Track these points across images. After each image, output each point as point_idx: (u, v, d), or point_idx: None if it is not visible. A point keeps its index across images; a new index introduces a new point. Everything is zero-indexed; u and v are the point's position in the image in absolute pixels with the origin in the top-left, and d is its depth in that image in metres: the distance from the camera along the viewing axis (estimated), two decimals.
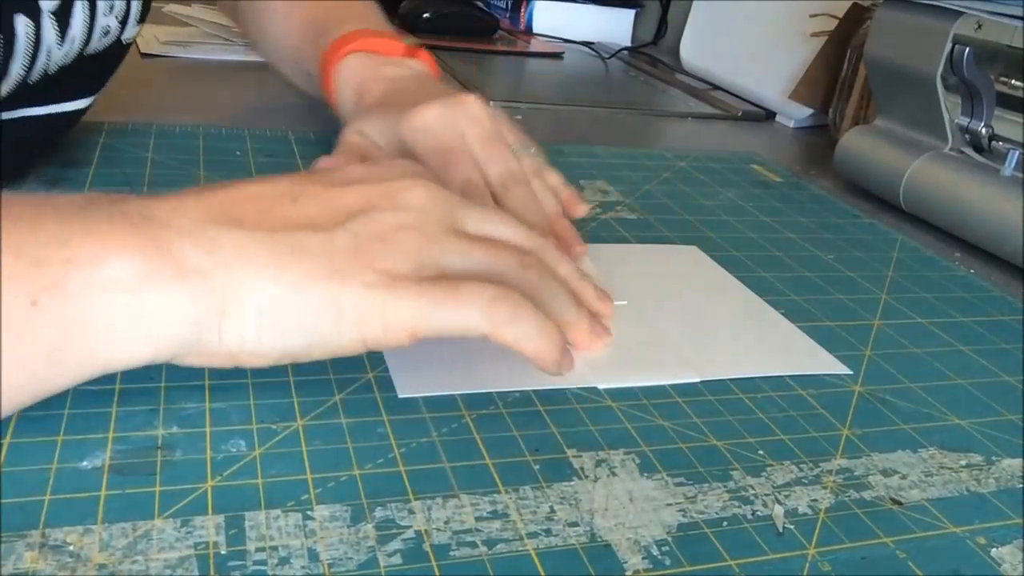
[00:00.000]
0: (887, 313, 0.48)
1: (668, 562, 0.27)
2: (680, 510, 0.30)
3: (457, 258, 0.34)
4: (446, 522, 0.28)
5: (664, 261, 0.50)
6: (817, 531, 0.30)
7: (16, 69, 0.42)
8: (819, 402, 0.38)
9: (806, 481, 0.32)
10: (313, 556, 0.26)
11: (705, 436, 0.34)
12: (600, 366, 0.38)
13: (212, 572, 0.25)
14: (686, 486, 0.31)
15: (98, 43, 0.48)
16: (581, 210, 0.48)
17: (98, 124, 0.59)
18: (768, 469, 0.33)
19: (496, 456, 0.31)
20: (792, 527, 0.30)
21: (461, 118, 0.46)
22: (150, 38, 0.86)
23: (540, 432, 0.33)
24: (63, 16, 0.44)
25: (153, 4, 0.54)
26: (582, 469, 0.31)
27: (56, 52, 0.44)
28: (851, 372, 0.40)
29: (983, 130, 0.62)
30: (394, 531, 0.27)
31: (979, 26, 0.60)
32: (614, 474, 0.31)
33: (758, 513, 0.30)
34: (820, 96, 0.87)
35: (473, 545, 0.27)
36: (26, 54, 0.42)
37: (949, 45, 0.60)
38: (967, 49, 0.60)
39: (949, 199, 0.60)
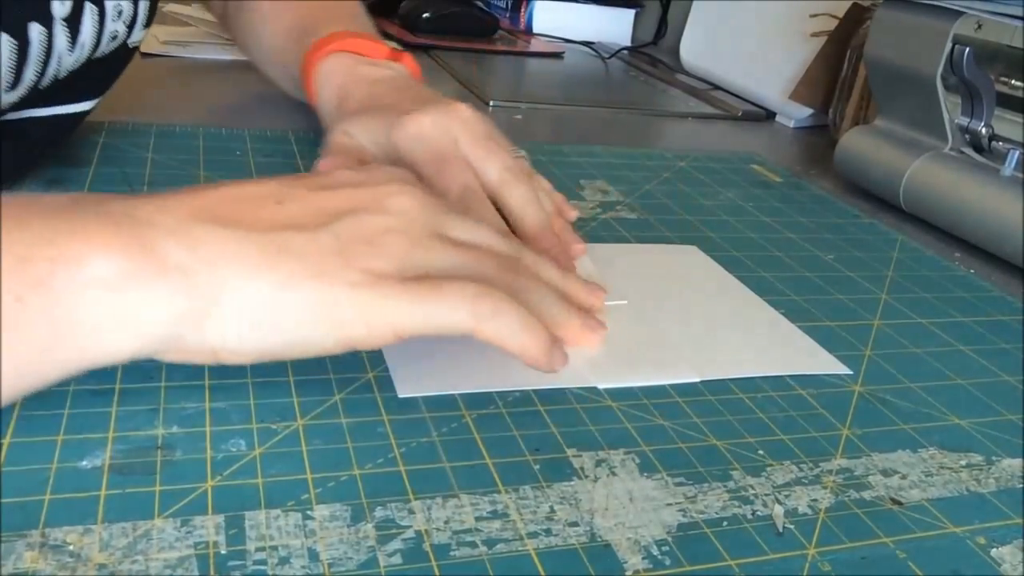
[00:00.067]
0: (887, 313, 0.48)
1: (668, 562, 0.27)
2: (680, 510, 0.30)
3: (440, 261, 0.34)
4: (446, 522, 0.28)
5: (664, 261, 0.50)
6: (817, 531, 0.30)
7: (29, 76, 0.42)
8: (819, 402, 0.38)
9: (806, 481, 0.32)
10: (313, 556, 0.26)
11: (705, 436, 0.34)
12: (600, 366, 0.38)
13: (212, 572, 0.25)
14: (686, 486, 0.31)
15: (106, 47, 0.48)
16: (572, 214, 0.49)
17: (98, 124, 0.59)
18: (768, 469, 0.33)
19: (496, 456, 0.31)
20: (792, 527, 0.30)
21: (453, 124, 0.46)
22: (150, 38, 0.86)
23: (540, 432, 0.33)
24: (74, 23, 0.44)
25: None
26: (582, 469, 0.31)
27: (67, 58, 0.44)
28: (851, 372, 0.41)
29: (983, 130, 0.62)
30: (394, 531, 0.27)
31: (979, 26, 0.60)
32: (614, 474, 0.31)
33: (758, 513, 0.30)
34: (820, 96, 0.87)
35: (473, 545, 0.27)
36: (39, 60, 0.42)
37: (949, 45, 0.60)
38: (967, 49, 0.60)
39: (949, 199, 0.60)
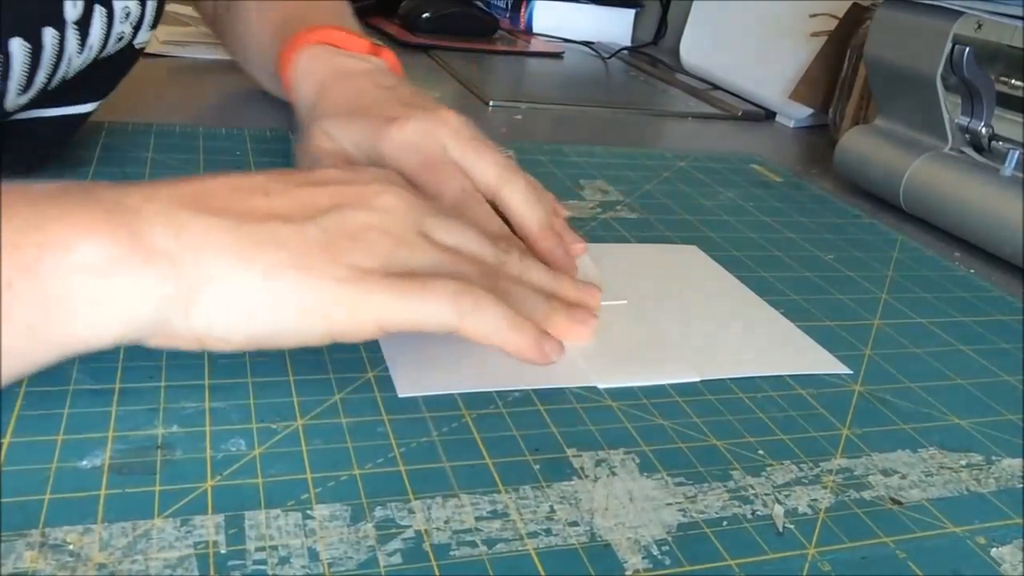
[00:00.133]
0: (887, 313, 0.48)
1: (668, 562, 0.27)
2: (680, 510, 0.30)
3: (424, 261, 0.34)
4: (446, 522, 0.28)
5: (664, 261, 0.50)
6: (817, 531, 0.30)
7: (40, 79, 0.42)
8: (819, 402, 0.38)
9: (806, 481, 0.32)
10: (313, 555, 0.26)
11: (705, 436, 0.34)
12: (600, 366, 0.38)
13: (212, 572, 0.25)
14: (686, 486, 0.31)
15: (112, 49, 0.48)
16: (564, 213, 0.49)
17: (98, 124, 0.59)
18: (768, 469, 0.33)
19: (496, 456, 0.31)
20: (792, 527, 0.30)
21: (439, 129, 0.46)
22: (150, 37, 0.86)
23: (540, 432, 0.33)
24: (83, 25, 0.44)
25: None
26: (582, 469, 0.31)
27: (76, 60, 0.45)
28: (851, 372, 0.41)
29: (983, 130, 0.62)
30: (394, 531, 0.27)
31: (979, 26, 0.60)
32: (614, 474, 0.31)
33: (758, 513, 0.30)
34: (820, 96, 0.87)
35: (473, 545, 0.27)
36: (50, 64, 0.42)
37: (949, 45, 0.60)
38: (967, 49, 0.60)
39: (949, 199, 0.60)
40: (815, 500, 0.31)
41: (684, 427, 0.35)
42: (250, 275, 0.31)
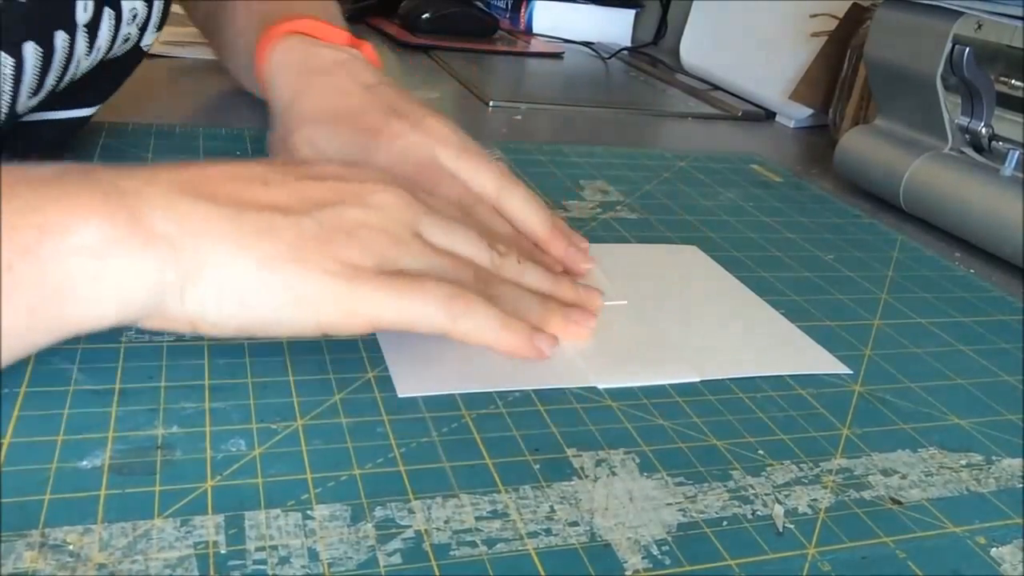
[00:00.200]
0: (887, 313, 0.48)
1: (668, 562, 0.27)
2: (680, 510, 0.30)
3: (417, 261, 0.35)
4: (446, 522, 0.28)
5: (664, 261, 0.50)
6: (817, 531, 0.30)
7: (50, 81, 0.43)
8: (819, 402, 0.38)
9: (806, 481, 0.32)
10: (313, 555, 0.26)
11: (705, 436, 0.34)
12: (600, 366, 0.38)
13: (212, 572, 0.25)
14: (686, 486, 0.31)
15: (119, 50, 0.48)
16: (560, 218, 0.49)
17: (98, 124, 0.59)
18: (768, 469, 0.33)
19: (496, 456, 0.31)
20: (792, 527, 0.30)
21: (429, 140, 0.45)
22: None
23: (540, 432, 0.33)
24: (92, 27, 0.44)
25: None
26: (582, 469, 0.31)
27: (84, 62, 0.45)
28: (851, 372, 0.40)
29: (983, 130, 0.62)
30: (394, 531, 0.27)
31: (979, 26, 0.60)
32: (614, 474, 0.31)
33: (758, 513, 0.30)
34: (820, 96, 0.87)
35: (473, 545, 0.27)
36: (60, 67, 0.42)
37: (949, 45, 0.60)
38: (967, 49, 0.60)
39: (949, 199, 0.60)
40: (815, 500, 0.31)
41: (684, 427, 0.35)
42: (246, 264, 0.31)
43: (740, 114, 0.91)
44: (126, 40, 0.48)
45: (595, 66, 1.09)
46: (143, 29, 0.49)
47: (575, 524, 0.28)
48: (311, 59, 0.51)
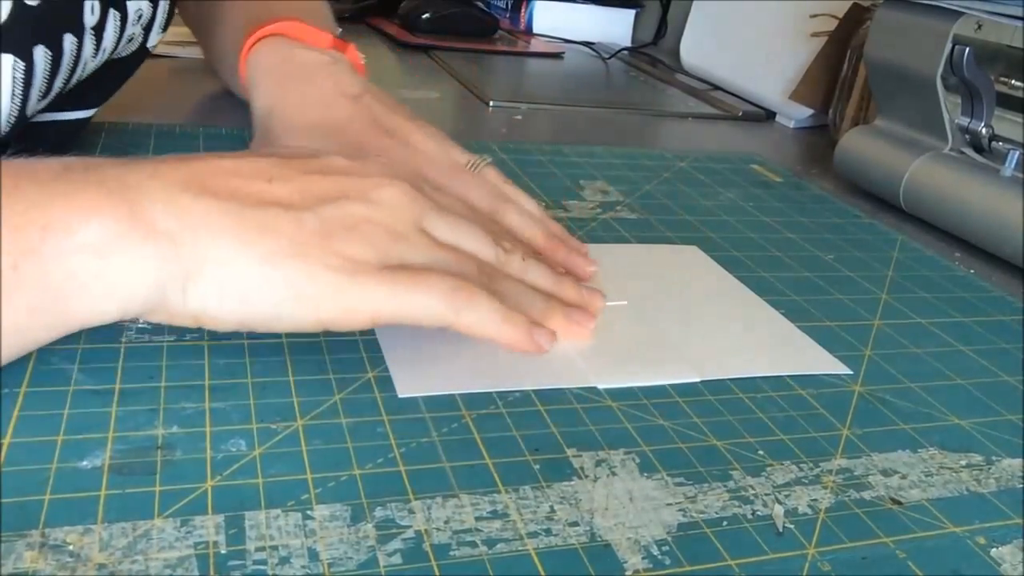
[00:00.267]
0: (887, 313, 0.48)
1: (668, 562, 0.27)
2: (680, 510, 0.30)
3: (420, 256, 0.35)
4: (446, 522, 0.28)
5: (664, 261, 0.50)
6: (817, 531, 0.30)
7: (57, 84, 0.43)
8: (819, 402, 0.38)
9: (806, 481, 0.32)
10: (313, 556, 0.26)
11: (705, 436, 0.34)
12: (600, 366, 0.38)
13: (212, 572, 0.25)
14: (686, 486, 0.31)
15: (123, 51, 0.48)
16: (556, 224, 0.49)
17: (98, 124, 0.59)
18: (768, 469, 0.33)
19: (496, 456, 0.31)
20: (792, 527, 0.30)
21: (416, 157, 0.45)
22: None
23: (540, 432, 0.33)
24: (99, 29, 0.44)
25: None
26: (582, 469, 0.31)
27: (90, 64, 0.45)
28: (851, 372, 0.40)
29: (983, 130, 0.62)
30: (394, 531, 0.27)
31: (979, 26, 0.60)
32: (614, 474, 0.31)
33: (758, 513, 0.30)
34: (820, 96, 0.87)
35: (473, 545, 0.27)
36: (68, 69, 0.43)
37: (949, 45, 0.60)
38: (967, 49, 0.60)
39: (949, 199, 0.60)
40: (815, 500, 0.31)
41: (684, 427, 0.35)
42: (248, 260, 0.31)
43: (740, 114, 0.91)
44: (131, 40, 0.48)
45: (595, 66, 1.09)
46: (148, 29, 0.49)
47: (575, 524, 0.28)
48: (291, 63, 0.51)
